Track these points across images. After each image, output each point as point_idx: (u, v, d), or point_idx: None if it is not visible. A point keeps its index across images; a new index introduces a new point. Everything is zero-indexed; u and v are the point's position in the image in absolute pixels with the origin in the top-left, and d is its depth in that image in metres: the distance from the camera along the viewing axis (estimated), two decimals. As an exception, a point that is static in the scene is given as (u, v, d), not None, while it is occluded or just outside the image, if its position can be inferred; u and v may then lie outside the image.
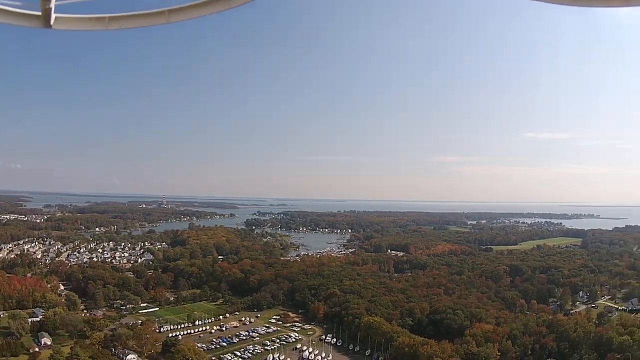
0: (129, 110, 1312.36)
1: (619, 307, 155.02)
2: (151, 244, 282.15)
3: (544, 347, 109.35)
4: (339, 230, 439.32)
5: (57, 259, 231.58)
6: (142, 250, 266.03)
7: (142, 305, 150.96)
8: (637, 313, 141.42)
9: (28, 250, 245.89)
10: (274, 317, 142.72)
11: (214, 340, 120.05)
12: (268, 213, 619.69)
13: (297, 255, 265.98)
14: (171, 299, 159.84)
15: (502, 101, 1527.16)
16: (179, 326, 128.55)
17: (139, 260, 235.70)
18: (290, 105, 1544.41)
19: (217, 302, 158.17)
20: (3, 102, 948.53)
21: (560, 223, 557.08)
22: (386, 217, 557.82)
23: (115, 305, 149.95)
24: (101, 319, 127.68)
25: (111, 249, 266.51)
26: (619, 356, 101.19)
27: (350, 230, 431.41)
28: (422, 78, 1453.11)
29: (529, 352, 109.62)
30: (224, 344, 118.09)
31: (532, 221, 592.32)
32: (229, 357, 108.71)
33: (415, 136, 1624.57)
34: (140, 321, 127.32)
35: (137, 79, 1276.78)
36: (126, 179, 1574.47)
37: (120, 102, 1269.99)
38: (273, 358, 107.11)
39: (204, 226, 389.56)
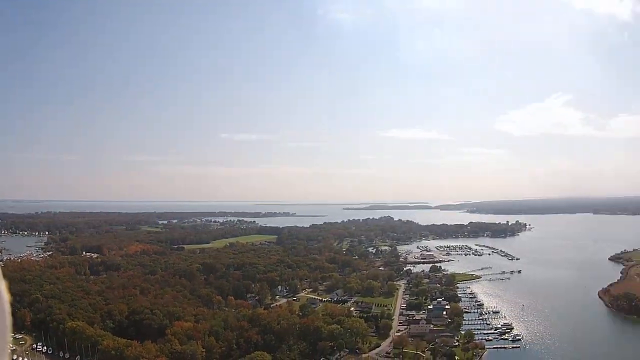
0: None
1: (323, 299, 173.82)
2: None
3: (249, 340, 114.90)
4: (37, 233, 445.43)
5: None
6: None
7: None
8: (342, 303, 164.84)
9: None
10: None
11: None
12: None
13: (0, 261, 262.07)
14: None
15: (200, 102, 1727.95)
16: None
17: None
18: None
19: None
20: None
21: (254, 221, 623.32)
22: (81, 217, 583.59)
23: None
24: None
25: None
26: (331, 344, 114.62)
27: (47, 233, 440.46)
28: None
29: (235, 346, 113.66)
30: None
31: (225, 220, 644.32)
32: None
33: (114, 133, 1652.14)
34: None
35: None
36: None
37: None
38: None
39: None
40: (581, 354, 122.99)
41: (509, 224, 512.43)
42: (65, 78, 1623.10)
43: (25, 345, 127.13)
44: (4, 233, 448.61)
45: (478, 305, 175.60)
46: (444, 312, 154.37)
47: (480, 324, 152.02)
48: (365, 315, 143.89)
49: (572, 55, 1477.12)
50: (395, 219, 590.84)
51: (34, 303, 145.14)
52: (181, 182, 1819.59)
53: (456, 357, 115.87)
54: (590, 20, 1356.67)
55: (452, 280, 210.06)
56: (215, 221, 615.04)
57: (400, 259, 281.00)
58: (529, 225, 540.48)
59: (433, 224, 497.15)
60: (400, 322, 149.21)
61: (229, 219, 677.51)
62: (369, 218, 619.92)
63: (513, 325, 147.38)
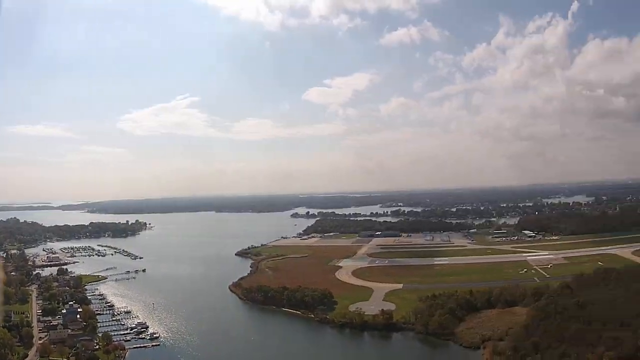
0: None
1: None
2: None
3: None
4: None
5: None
6: None
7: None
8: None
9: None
10: None
11: None
12: None
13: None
14: None
15: None
16: None
17: None
18: None
19: None
20: None
21: None
22: None
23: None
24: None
25: None
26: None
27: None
28: None
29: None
30: None
31: None
32: None
33: None
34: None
35: None
36: None
37: None
38: None
39: None
40: (226, 346, 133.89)
41: (129, 223, 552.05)
42: None
43: None
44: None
45: (109, 306, 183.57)
46: (78, 316, 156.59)
47: (115, 325, 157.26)
48: (7, 324, 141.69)
49: (207, 59, 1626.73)
50: (21, 220, 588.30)
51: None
52: None
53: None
54: (234, 27, 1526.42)
55: (79, 282, 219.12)
56: None
57: (29, 263, 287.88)
58: (150, 224, 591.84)
59: (56, 225, 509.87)
60: (40, 329, 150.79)
61: None
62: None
63: (148, 324, 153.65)
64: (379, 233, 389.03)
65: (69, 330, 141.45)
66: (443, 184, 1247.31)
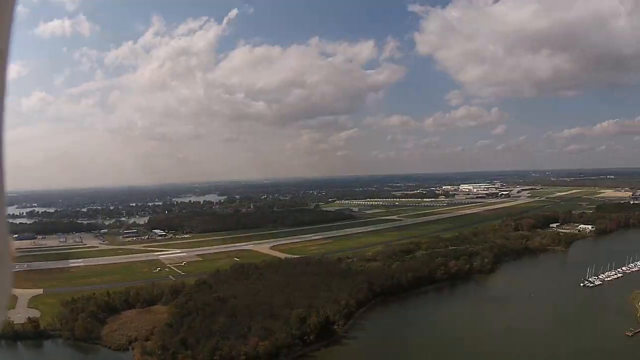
0: None
1: None
2: None
3: None
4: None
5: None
6: None
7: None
8: None
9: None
10: None
11: None
12: None
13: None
14: None
15: None
16: None
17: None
18: None
19: None
20: None
21: None
22: None
23: None
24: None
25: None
26: None
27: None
28: None
29: None
30: None
31: None
32: None
33: None
34: None
35: None
36: None
37: None
38: None
39: None
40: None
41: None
42: None
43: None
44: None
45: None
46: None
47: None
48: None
49: None
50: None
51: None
52: None
53: None
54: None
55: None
56: None
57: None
58: None
59: None
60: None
61: None
62: None
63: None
64: (16, 235, 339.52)
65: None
66: (78, 182, 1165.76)
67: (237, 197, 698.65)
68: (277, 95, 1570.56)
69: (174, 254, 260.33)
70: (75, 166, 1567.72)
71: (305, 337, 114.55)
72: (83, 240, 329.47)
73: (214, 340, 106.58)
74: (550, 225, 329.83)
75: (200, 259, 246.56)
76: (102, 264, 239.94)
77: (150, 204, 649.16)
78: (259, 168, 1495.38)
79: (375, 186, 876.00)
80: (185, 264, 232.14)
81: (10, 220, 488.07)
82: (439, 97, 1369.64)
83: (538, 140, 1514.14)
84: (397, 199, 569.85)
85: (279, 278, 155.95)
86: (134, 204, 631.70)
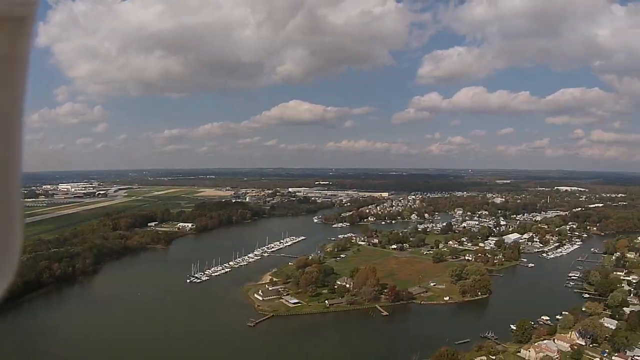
0: None
1: None
2: None
3: None
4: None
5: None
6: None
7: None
8: None
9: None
10: None
11: None
12: None
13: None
14: None
15: None
16: None
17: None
18: None
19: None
20: None
21: None
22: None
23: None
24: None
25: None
26: None
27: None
28: None
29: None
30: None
31: None
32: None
33: None
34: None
35: None
36: None
37: None
38: None
39: None
40: None
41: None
42: None
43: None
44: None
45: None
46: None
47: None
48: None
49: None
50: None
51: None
52: None
53: None
54: None
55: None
56: None
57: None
58: None
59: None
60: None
61: None
62: None
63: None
64: None
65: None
66: None
67: None
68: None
69: None
70: None
71: None
72: None
73: None
74: (149, 224, 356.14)
75: None
76: None
77: None
78: None
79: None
80: None
81: None
82: (48, 92, 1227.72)
83: (138, 140, 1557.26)
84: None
85: None
86: None
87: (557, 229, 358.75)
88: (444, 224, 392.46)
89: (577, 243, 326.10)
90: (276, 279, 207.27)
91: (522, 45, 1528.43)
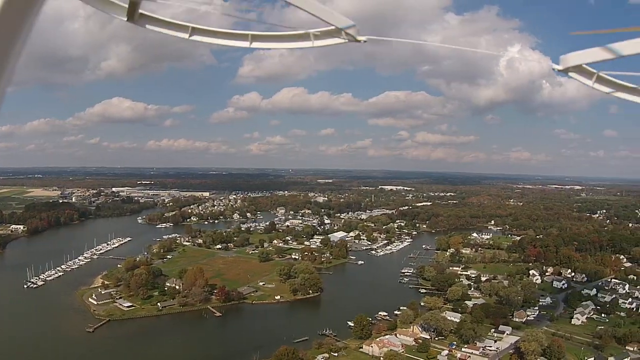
0: None
1: None
2: None
3: None
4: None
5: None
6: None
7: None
8: None
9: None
10: None
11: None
12: None
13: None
14: None
15: None
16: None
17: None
18: None
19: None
20: None
21: None
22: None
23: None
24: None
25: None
26: None
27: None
28: None
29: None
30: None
31: None
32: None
33: None
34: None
35: None
36: None
37: None
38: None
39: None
40: None
41: None
42: None
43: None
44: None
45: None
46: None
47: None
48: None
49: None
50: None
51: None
52: None
53: None
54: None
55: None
56: None
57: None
58: None
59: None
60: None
61: None
62: None
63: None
64: None
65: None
66: None
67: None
68: None
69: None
70: None
71: None
72: None
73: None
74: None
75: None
76: None
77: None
78: None
79: None
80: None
81: None
82: None
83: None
84: None
85: None
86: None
87: (384, 227, 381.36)
88: (267, 223, 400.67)
89: (407, 240, 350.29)
90: (107, 282, 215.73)
91: (345, 48, 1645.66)
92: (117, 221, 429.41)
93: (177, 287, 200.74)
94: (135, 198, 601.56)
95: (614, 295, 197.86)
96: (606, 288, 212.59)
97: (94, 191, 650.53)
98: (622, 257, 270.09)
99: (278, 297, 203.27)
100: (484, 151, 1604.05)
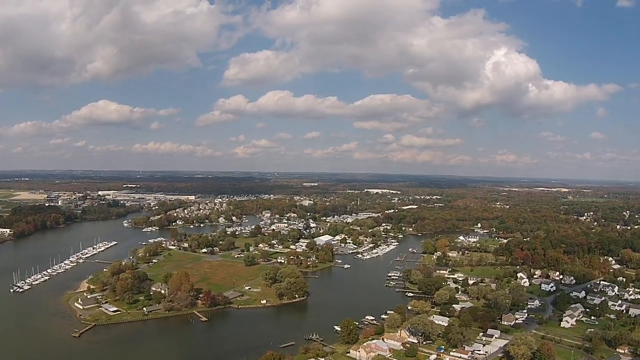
0: None
1: None
2: None
3: None
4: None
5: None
6: None
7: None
8: None
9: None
10: None
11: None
12: None
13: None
14: None
15: None
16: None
17: None
18: None
19: None
20: None
21: None
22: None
23: None
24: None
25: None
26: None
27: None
28: None
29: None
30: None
31: None
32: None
33: None
34: None
35: None
36: None
37: None
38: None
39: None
40: None
41: None
42: None
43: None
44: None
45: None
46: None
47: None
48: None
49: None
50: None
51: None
52: None
53: None
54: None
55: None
56: None
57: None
58: None
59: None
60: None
61: None
62: None
63: None
64: None
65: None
66: None
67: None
68: None
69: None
70: None
71: None
72: None
73: None
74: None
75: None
76: None
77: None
78: None
79: None
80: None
81: None
82: None
83: None
84: None
85: None
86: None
87: (370, 230, 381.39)
88: (253, 226, 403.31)
89: (393, 244, 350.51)
90: (93, 287, 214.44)
91: (332, 51, 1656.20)
92: (103, 225, 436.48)
93: (162, 291, 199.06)
94: (121, 201, 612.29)
95: (603, 298, 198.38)
96: (595, 290, 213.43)
97: (80, 194, 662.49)
98: (610, 259, 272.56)
99: (264, 301, 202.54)
100: (470, 154, 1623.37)
